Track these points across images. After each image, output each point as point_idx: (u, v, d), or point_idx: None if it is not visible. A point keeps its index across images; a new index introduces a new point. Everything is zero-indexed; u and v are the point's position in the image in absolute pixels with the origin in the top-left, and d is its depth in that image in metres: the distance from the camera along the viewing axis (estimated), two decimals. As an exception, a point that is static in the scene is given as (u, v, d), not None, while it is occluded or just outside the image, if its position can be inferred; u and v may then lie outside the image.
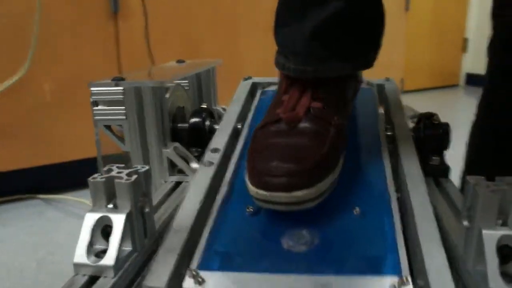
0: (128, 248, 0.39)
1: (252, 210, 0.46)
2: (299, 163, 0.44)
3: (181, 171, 0.61)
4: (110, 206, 0.40)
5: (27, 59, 1.28)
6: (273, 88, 0.76)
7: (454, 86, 3.65)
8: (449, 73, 3.57)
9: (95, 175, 0.40)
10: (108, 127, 0.60)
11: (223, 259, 0.40)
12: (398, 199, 0.48)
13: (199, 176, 0.50)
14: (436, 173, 0.55)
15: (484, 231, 0.36)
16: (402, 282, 0.37)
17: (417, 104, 0.80)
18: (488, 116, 0.84)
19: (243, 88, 0.75)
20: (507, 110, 0.81)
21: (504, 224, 0.37)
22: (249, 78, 0.78)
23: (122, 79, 0.59)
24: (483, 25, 3.39)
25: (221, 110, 0.85)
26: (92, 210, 0.40)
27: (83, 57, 1.42)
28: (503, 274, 0.35)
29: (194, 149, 0.65)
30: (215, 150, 0.55)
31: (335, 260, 0.40)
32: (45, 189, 1.46)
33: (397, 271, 0.38)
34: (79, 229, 1.27)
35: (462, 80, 3.64)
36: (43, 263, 1.08)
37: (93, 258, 0.38)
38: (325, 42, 0.52)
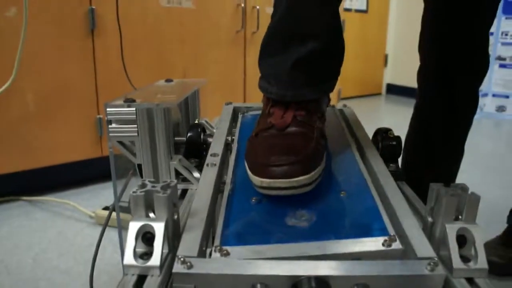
0: (165, 250, 0.41)
1: (256, 199, 0.50)
2: (295, 155, 0.48)
3: (184, 180, 0.63)
4: (152, 215, 0.41)
5: (12, 72, 1.22)
6: (251, 112, 0.80)
7: (378, 94, 3.86)
8: (374, 83, 3.77)
9: (135, 189, 0.42)
10: (120, 143, 0.61)
11: (240, 237, 0.43)
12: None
13: (206, 175, 0.53)
14: (394, 177, 0.62)
15: (447, 225, 0.42)
16: (391, 239, 0.42)
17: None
18: (420, 129, 0.93)
19: (226, 111, 0.78)
20: (433, 125, 0.90)
21: (459, 219, 0.43)
22: (230, 103, 0.82)
23: (133, 100, 0.59)
24: (399, 43, 3.62)
25: (204, 122, 0.87)
26: (134, 220, 0.41)
27: (64, 71, 1.37)
28: (461, 256, 0.41)
29: (192, 160, 0.67)
30: (215, 155, 0.58)
31: (333, 229, 0.44)
32: (27, 192, 1.40)
33: (385, 232, 0.43)
34: (66, 227, 1.26)
35: (383, 89, 3.85)
36: (38, 260, 1.04)
37: (139, 260, 0.39)
38: (303, 72, 0.56)
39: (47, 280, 0.96)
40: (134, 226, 0.41)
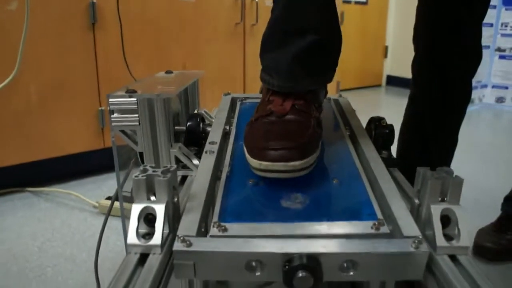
0: (166, 230, 0.44)
1: (253, 182, 0.52)
2: (293, 141, 0.51)
3: (184, 167, 0.65)
4: (152, 198, 0.44)
5: (15, 66, 1.24)
6: (249, 100, 0.83)
7: (378, 86, 3.87)
8: (374, 75, 3.78)
9: (137, 174, 0.44)
10: (122, 132, 0.63)
11: (237, 215, 0.46)
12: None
13: (205, 161, 0.55)
14: (386, 164, 0.64)
15: (432, 206, 0.44)
16: (379, 223, 0.44)
17: (350, 101, 0.87)
18: (414, 119, 0.95)
19: (225, 101, 0.81)
20: (426, 115, 0.92)
21: (444, 201, 0.46)
22: (228, 93, 0.84)
23: (134, 91, 0.62)
24: (399, 35, 3.62)
25: (203, 113, 0.90)
26: (136, 202, 0.43)
27: (65, 64, 1.39)
28: (444, 235, 0.44)
29: (191, 148, 0.70)
30: (213, 143, 0.61)
31: (325, 212, 0.47)
32: (32, 183, 1.43)
33: (374, 217, 0.46)
34: (70, 217, 1.30)
35: (384, 80, 3.86)
36: (44, 248, 1.07)
37: (141, 239, 0.42)
38: (303, 65, 0.59)
39: (53, 267, 0.99)
40: (136, 208, 0.43)
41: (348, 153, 0.61)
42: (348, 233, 0.44)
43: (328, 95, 0.86)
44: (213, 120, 0.71)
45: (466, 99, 0.91)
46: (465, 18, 0.81)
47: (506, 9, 2.78)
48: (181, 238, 0.40)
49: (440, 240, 0.43)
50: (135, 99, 0.61)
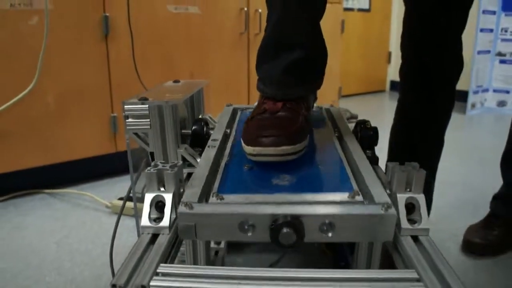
0: (173, 215, 0.52)
1: (248, 167, 0.61)
2: (283, 130, 0.60)
3: (190, 165, 0.74)
4: (162, 189, 0.52)
5: (35, 75, 1.35)
6: (250, 110, 0.92)
7: (381, 91, 3.94)
8: (377, 80, 3.84)
9: (149, 168, 0.53)
10: (136, 134, 0.72)
11: (234, 189, 0.54)
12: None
13: (206, 153, 0.64)
14: (370, 161, 0.72)
15: (398, 195, 0.52)
16: (355, 193, 0.52)
17: (353, 106, 0.96)
18: (402, 122, 1.02)
19: (227, 111, 0.90)
20: (414, 119, 0.99)
21: (410, 191, 0.53)
22: (230, 105, 0.93)
23: (146, 99, 0.71)
24: (402, 41, 3.69)
25: (208, 118, 0.98)
26: (148, 192, 0.52)
27: (81, 73, 1.49)
28: (408, 220, 0.51)
29: (196, 149, 0.78)
30: (215, 140, 0.70)
31: (309, 187, 0.55)
32: (48, 185, 1.53)
33: (351, 189, 0.54)
34: (85, 216, 1.42)
35: (387, 86, 3.93)
36: (61, 244, 1.16)
37: (153, 222, 0.50)
38: (292, 75, 0.68)
39: (70, 260, 1.08)
40: (148, 197, 0.52)
41: (334, 146, 0.69)
42: (328, 200, 0.52)
43: (321, 104, 0.95)
44: (216, 124, 0.80)
45: (450, 103, 0.98)
46: (445, 28, 0.89)
47: (506, 15, 2.84)
48: (185, 203, 0.48)
49: (404, 223, 0.50)
50: (147, 105, 0.69)
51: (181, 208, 0.48)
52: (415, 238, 0.50)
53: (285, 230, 0.46)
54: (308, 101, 0.73)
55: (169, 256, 0.48)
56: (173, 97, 0.72)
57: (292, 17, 0.65)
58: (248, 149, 0.59)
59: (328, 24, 2.35)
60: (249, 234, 0.48)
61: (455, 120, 2.92)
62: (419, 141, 0.99)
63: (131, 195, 0.79)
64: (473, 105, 2.99)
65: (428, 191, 1.03)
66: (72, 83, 1.48)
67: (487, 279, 1.03)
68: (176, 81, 0.96)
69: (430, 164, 1.02)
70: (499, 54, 2.92)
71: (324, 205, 0.50)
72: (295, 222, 0.46)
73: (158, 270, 0.43)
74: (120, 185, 1.57)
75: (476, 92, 2.98)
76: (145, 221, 0.50)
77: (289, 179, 0.57)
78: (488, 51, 2.92)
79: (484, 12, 2.79)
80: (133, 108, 0.69)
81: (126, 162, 0.77)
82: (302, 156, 0.63)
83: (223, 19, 1.83)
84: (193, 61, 1.77)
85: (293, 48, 0.65)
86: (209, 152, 0.64)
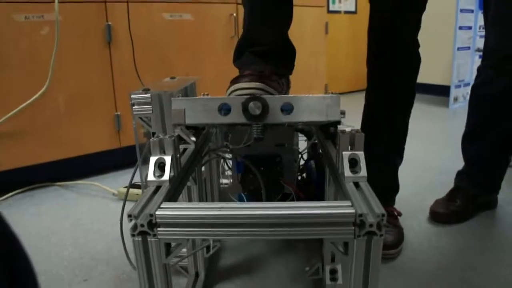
0: (172, 173, 0.68)
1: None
2: (257, 74, 0.77)
3: (185, 142, 0.90)
4: (163, 152, 0.68)
5: (47, 79, 1.51)
6: None
7: (369, 89, 4.11)
8: (365, 79, 4.00)
9: (153, 138, 0.69)
10: (141, 118, 0.88)
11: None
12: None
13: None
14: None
15: (343, 152, 0.68)
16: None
17: (342, 103, 1.09)
18: (369, 113, 1.18)
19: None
20: (378, 110, 1.15)
21: (352, 149, 0.69)
22: None
23: (148, 89, 0.87)
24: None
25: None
26: (153, 155, 0.68)
27: (87, 77, 1.65)
28: (352, 171, 0.67)
29: (190, 129, 0.94)
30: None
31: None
32: (59, 178, 1.69)
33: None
34: (94, 203, 1.62)
35: (376, 84, 4.09)
36: (75, 225, 1.32)
37: (157, 178, 0.66)
38: (260, 58, 0.85)
39: (84, 238, 1.24)
40: (153, 159, 0.68)
41: None
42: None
43: None
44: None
45: (410, 95, 1.13)
46: (401, 27, 1.05)
47: (483, 13, 3.01)
48: (177, 95, 0.66)
49: (348, 173, 0.66)
50: (149, 94, 0.86)
51: (175, 98, 0.66)
52: (356, 184, 0.66)
53: (252, 104, 0.64)
54: (280, 81, 0.90)
55: (169, 200, 0.64)
56: (170, 88, 0.88)
57: (258, 28, 0.83)
58: (228, 90, 0.76)
59: (313, 26, 2.53)
60: (227, 116, 0.66)
61: (439, 113, 3.10)
62: (382, 129, 1.13)
63: (134, 182, 0.95)
64: (455, 99, 3.16)
65: (394, 169, 1.19)
66: (80, 86, 1.64)
67: (448, 241, 1.19)
68: (172, 78, 1.13)
69: (395, 148, 1.17)
70: (479, 50, 3.09)
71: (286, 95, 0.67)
72: (261, 100, 0.65)
73: (161, 206, 0.59)
74: (124, 177, 1.73)
75: (458, 86, 3.14)
76: (150, 176, 0.66)
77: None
78: (468, 47, 3.09)
79: (462, 11, 2.96)
80: (138, 97, 0.86)
81: (129, 156, 0.93)
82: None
83: (214, 24, 2.00)
84: (187, 63, 1.94)
85: (263, 46, 0.83)
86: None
